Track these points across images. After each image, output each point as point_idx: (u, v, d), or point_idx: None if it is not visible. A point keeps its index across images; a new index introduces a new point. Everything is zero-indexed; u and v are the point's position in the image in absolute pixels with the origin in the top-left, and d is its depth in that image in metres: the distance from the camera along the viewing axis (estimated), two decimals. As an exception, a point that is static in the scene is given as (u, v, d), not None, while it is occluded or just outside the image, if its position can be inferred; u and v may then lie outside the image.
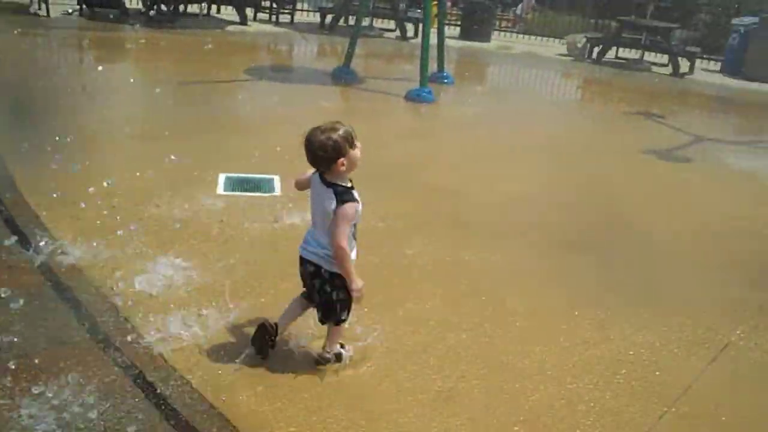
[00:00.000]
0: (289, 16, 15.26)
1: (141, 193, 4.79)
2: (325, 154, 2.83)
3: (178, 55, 10.49)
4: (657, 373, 3.32)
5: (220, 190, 5.16)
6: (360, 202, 2.93)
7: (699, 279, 4.51)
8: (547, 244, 4.76)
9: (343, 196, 2.87)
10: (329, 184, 2.89)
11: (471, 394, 3.02)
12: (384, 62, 12.69)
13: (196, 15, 13.96)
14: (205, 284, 3.68)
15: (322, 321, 3.09)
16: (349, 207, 2.85)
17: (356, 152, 2.91)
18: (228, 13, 14.46)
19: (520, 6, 23.71)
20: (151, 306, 3.39)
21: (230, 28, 13.58)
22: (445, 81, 10.35)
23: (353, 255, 2.96)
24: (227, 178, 5.37)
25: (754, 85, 13.73)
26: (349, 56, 9.83)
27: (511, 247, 4.64)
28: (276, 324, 3.03)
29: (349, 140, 2.88)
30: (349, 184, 2.96)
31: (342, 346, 3.15)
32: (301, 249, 3.04)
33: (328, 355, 3.08)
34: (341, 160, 2.84)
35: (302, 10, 16.44)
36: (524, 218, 5.23)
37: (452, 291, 3.94)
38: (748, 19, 15.26)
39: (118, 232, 4.06)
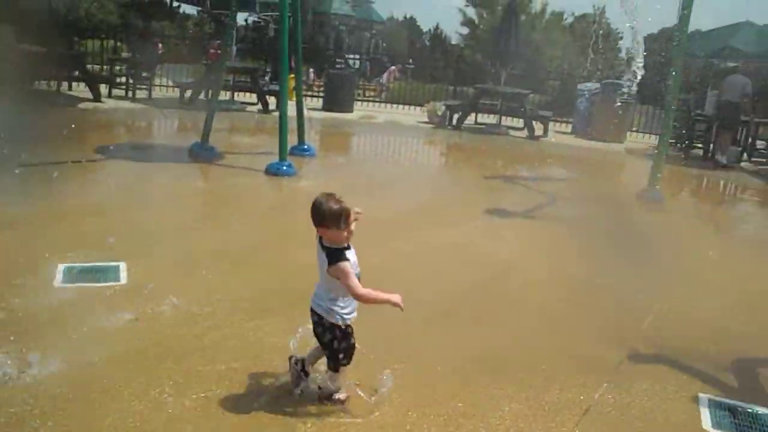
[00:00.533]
0: (146, 92, 14.84)
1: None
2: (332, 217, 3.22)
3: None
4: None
5: (58, 281, 4.71)
6: (350, 260, 3.26)
7: (555, 341, 4.51)
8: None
9: (337, 255, 3.21)
10: (324, 248, 3.27)
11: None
12: (245, 136, 12.51)
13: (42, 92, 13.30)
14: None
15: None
16: (342, 265, 3.18)
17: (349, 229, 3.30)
18: (80, 90, 13.88)
19: (384, 76, 24.45)
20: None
21: (83, 105, 12.99)
22: (307, 153, 10.27)
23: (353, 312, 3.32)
24: (67, 269, 4.92)
25: (601, 145, 14.64)
26: (207, 131, 9.57)
27: (378, 322, 4.46)
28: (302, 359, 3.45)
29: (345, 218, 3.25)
30: (345, 245, 3.30)
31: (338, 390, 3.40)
32: (311, 300, 3.36)
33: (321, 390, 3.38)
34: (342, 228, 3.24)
35: (160, 85, 16.08)
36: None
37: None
38: (591, 85, 16.43)
39: None
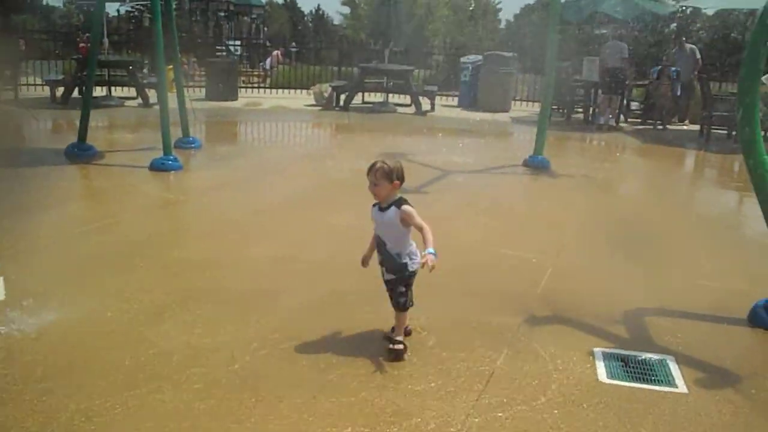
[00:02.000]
0: (11, 92, 13.90)
1: None
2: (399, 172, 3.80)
3: None
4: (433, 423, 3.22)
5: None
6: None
7: (459, 311, 4.56)
8: (298, 307, 4.56)
9: (404, 201, 3.80)
10: (384, 208, 3.79)
11: None
12: (126, 132, 11.96)
13: None
14: None
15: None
16: (411, 208, 3.76)
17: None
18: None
19: (267, 61, 24.03)
20: None
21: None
22: (192, 145, 9.95)
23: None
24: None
25: (487, 116, 14.97)
26: (83, 130, 9.07)
27: (266, 316, 4.37)
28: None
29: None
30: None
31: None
32: (384, 269, 3.87)
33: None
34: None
35: (28, 84, 15.15)
36: (280, 282, 5.01)
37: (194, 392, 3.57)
38: (473, 57, 16.75)
39: None
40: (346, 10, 39.87)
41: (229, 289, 4.77)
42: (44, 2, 33.78)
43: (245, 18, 33.36)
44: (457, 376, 3.67)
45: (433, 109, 15.40)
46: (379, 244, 3.85)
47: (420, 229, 3.69)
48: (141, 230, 6.18)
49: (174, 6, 9.77)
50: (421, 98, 15.22)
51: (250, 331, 4.09)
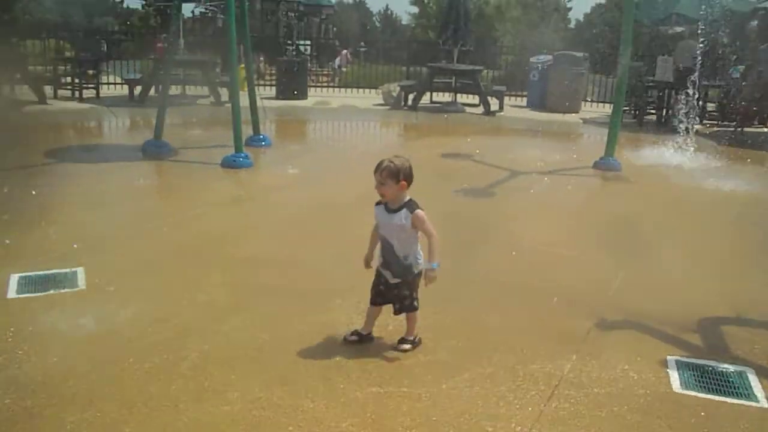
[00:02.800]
0: (94, 91, 14.45)
1: None
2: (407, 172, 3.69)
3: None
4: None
5: (11, 293, 4.54)
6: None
7: (523, 315, 4.50)
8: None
9: (416, 205, 3.69)
10: (392, 210, 3.69)
11: None
12: (199, 130, 12.25)
13: (-15, 98, 12.87)
14: None
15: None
16: (422, 212, 3.65)
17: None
18: (23, 92, 13.45)
19: (336, 60, 24.26)
20: None
21: (27, 108, 12.60)
22: (263, 143, 10.13)
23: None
24: (21, 278, 4.76)
25: (557, 116, 14.71)
26: (159, 127, 9.37)
27: (330, 312, 4.41)
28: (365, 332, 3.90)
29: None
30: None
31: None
32: (386, 274, 3.76)
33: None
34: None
35: (109, 83, 15.69)
36: (346, 282, 5.03)
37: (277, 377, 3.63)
38: (543, 57, 16.50)
39: None
40: (415, 9, 39.96)
41: (296, 287, 4.83)
42: (125, 5, 34.97)
43: (315, 18, 33.73)
44: (523, 382, 3.62)
45: (501, 109, 15.24)
46: (384, 246, 3.75)
47: (429, 236, 3.62)
48: (212, 226, 6.32)
49: (247, 7, 9.94)
50: (489, 98, 15.09)
51: (316, 327, 4.13)
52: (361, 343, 3.89)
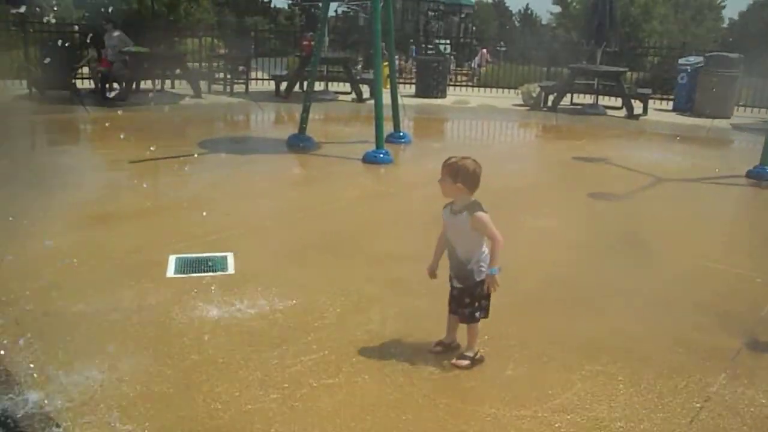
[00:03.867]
0: (243, 86, 15.26)
1: (87, 283, 4.57)
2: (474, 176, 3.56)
3: (131, 132, 10.35)
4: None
5: (170, 272, 4.94)
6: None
7: (665, 327, 4.36)
8: (509, 305, 4.59)
9: (479, 206, 3.55)
10: (456, 211, 3.57)
11: None
12: (341, 125, 12.68)
13: (149, 91, 13.89)
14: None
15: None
16: (485, 215, 3.51)
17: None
18: (182, 87, 14.42)
19: (475, 60, 24.21)
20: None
21: (184, 102, 13.51)
22: (403, 140, 10.32)
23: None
24: (178, 260, 5.15)
25: (705, 122, 13.96)
26: (303, 122, 9.77)
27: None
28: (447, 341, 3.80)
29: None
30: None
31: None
32: (454, 278, 3.64)
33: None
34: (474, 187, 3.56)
35: (256, 79, 16.47)
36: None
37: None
38: (693, 59, 15.70)
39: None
40: (557, 9, 39.11)
41: (432, 283, 4.91)
42: (272, 5, 36.53)
43: (454, 17, 33.81)
44: (669, 401, 3.51)
45: (645, 112, 14.65)
46: (449, 249, 3.64)
47: (493, 239, 3.46)
48: (353, 220, 6.54)
49: (391, 5, 10.16)
50: (633, 101, 14.56)
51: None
52: (445, 352, 3.79)
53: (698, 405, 3.45)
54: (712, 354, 3.99)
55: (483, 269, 3.53)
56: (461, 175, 3.47)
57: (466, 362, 3.64)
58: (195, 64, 16.49)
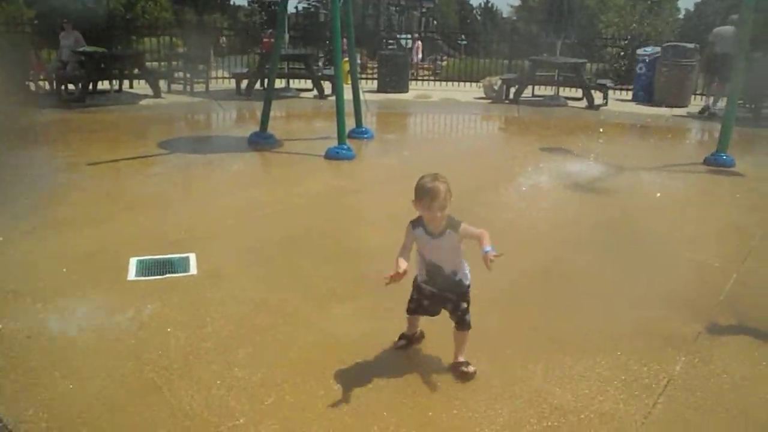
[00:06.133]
0: (203, 85, 15.07)
1: (49, 291, 4.47)
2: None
3: (88, 134, 10.18)
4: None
5: (131, 275, 4.84)
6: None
7: (631, 314, 4.41)
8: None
9: (457, 220, 3.39)
10: (431, 232, 3.39)
11: None
12: (303, 122, 12.59)
13: (106, 92, 13.64)
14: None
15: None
16: (467, 225, 3.38)
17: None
18: (141, 87, 14.20)
19: (412, 52, 24.15)
20: None
21: (144, 102, 13.30)
22: (365, 136, 10.28)
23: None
24: (139, 262, 5.06)
25: (664, 111, 14.17)
26: (265, 120, 9.68)
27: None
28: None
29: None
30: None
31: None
32: (443, 291, 3.53)
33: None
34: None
35: (217, 78, 16.30)
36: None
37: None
38: (651, 49, 15.94)
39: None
40: (516, 1, 39.38)
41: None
42: (231, 1, 36.20)
43: (415, 12, 33.84)
44: (631, 382, 3.56)
45: (605, 102, 14.84)
46: (430, 269, 3.50)
47: (480, 237, 3.29)
48: (316, 216, 6.49)
49: (350, 1, 10.10)
50: (593, 92, 14.72)
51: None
52: (408, 346, 3.80)
53: (663, 383, 3.53)
54: (670, 340, 4.04)
55: (468, 272, 3.53)
56: (416, 191, 3.35)
57: (472, 368, 3.57)
58: (154, 64, 16.26)
